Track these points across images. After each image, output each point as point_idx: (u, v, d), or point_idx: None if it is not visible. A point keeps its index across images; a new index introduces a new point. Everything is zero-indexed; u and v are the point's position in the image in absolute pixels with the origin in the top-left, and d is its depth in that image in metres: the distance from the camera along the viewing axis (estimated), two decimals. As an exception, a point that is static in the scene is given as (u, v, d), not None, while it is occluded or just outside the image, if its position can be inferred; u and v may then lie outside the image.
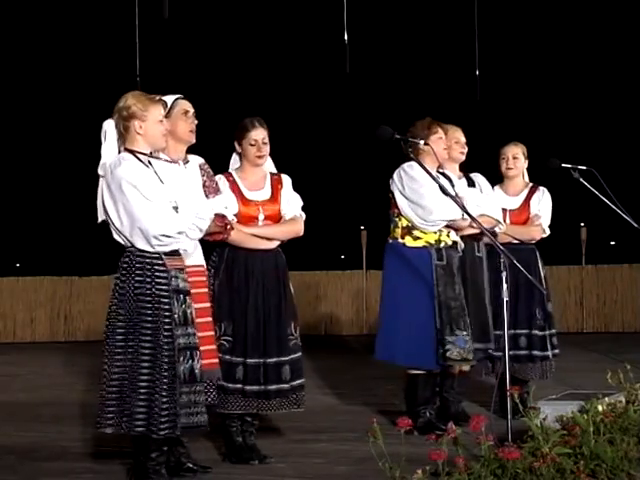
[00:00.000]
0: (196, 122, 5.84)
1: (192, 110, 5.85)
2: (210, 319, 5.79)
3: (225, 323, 5.99)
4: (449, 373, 7.15)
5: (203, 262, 5.89)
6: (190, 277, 5.49)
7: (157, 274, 5.20)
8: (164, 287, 5.21)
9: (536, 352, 7.45)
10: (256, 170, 6.21)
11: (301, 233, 6.28)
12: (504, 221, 7.41)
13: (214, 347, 5.77)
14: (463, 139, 7.35)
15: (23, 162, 30.18)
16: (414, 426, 5.91)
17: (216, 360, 5.75)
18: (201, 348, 5.39)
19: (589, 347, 13.66)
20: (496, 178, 7.70)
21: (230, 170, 6.26)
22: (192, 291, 5.44)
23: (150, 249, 5.18)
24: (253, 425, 6.15)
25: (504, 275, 5.56)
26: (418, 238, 6.92)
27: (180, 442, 5.63)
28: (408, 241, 6.93)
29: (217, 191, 5.95)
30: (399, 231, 6.96)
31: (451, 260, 6.94)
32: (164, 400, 5.11)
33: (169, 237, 5.18)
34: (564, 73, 27.49)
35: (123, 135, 5.29)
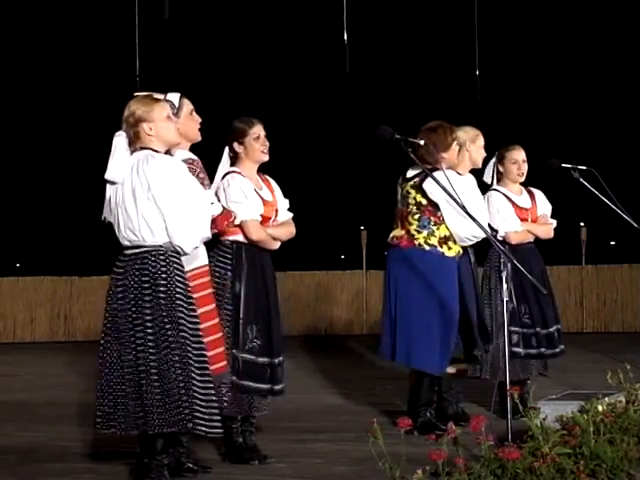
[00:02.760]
0: (200, 119, 5.86)
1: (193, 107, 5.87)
2: (217, 321, 5.72)
3: (255, 325, 5.99)
4: (447, 373, 7.16)
5: (207, 262, 5.85)
6: (198, 279, 5.50)
7: (184, 275, 5.22)
8: (189, 288, 5.24)
9: (562, 346, 7.57)
10: (254, 169, 6.20)
11: (294, 234, 6.32)
12: (527, 220, 7.48)
13: (223, 349, 5.72)
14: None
15: (24, 163, 30.19)
16: (414, 426, 5.91)
17: (224, 363, 5.71)
18: (210, 353, 5.35)
19: (589, 347, 13.66)
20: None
21: (235, 168, 6.19)
22: (198, 295, 5.44)
23: (186, 248, 5.16)
24: (253, 425, 6.15)
25: (504, 275, 5.56)
26: (451, 248, 6.94)
27: (180, 442, 5.63)
28: (446, 250, 6.91)
29: (209, 185, 5.92)
30: (436, 240, 6.91)
31: (461, 268, 7.00)
32: (213, 398, 5.19)
33: (203, 239, 5.24)
34: (564, 73, 27.50)
35: (135, 142, 5.26)
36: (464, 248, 7.07)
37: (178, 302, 5.14)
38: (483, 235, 6.77)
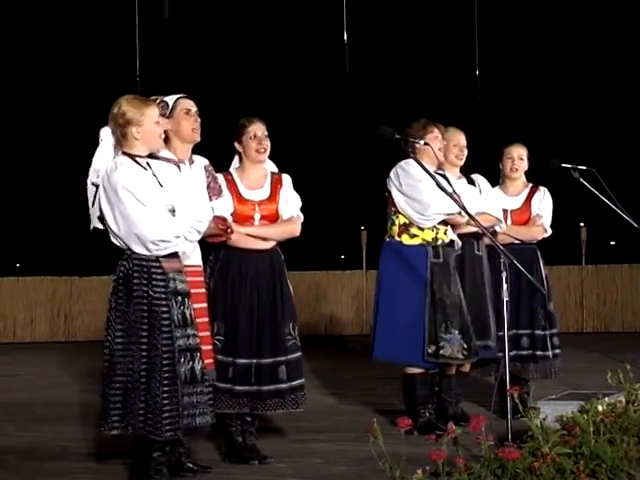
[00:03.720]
0: (199, 120, 5.83)
1: (195, 109, 5.83)
2: (207, 319, 5.77)
3: (218, 323, 5.98)
4: (446, 373, 7.15)
5: (200, 262, 5.87)
6: (187, 277, 5.49)
7: (154, 276, 5.19)
8: (161, 289, 5.19)
9: (538, 352, 7.45)
10: (257, 168, 6.19)
11: (297, 234, 6.23)
12: (505, 222, 7.42)
13: (210, 347, 5.76)
14: (463, 142, 7.32)
15: (24, 163, 30.19)
16: (414, 426, 5.91)
17: (212, 360, 5.75)
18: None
19: (589, 347, 13.66)
20: (496, 179, 7.69)
21: (230, 170, 6.24)
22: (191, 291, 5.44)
23: (147, 253, 5.18)
24: (253, 425, 6.14)
25: (504, 275, 5.55)
26: (415, 236, 6.92)
27: (180, 442, 5.63)
28: (405, 239, 6.93)
29: (220, 193, 5.95)
30: (396, 229, 6.96)
31: (448, 258, 6.95)
32: (165, 402, 5.09)
33: (166, 242, 5.17)
34: (564, 73, 27.51)
35: (120, 141, 5.27)
36: (471, 240, 7.08)
37: (138, 306, 5.14)
38: (439, 212, 6.78)
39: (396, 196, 6.93)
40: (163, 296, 5.19)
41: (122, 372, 5.13)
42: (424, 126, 6.97)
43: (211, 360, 5.73)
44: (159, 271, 5.20)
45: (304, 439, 6.77)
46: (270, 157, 6.24)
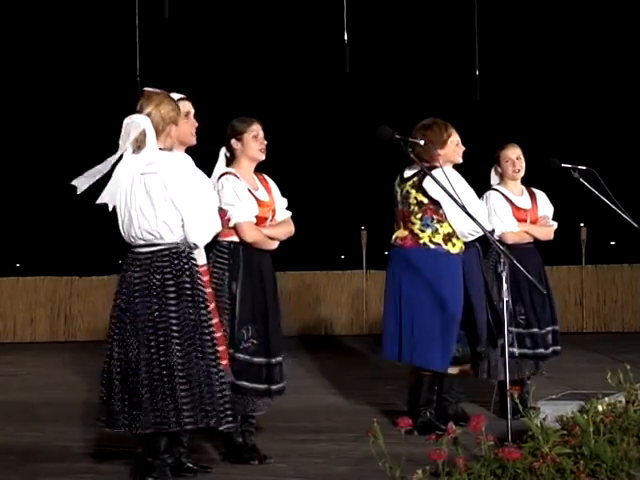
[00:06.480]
0: (196, 124, 5.82)
1: (193, 111, 5.83)
2: (217, 320, 5.74)
3: (251, 325, 5.99)
4: (447, 373, 7.15)
5: (206, 261, 5.85)
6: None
7: (199, 275, 5.30)
8: (203, 286, 5.32)
9: (558, 347, 7.54)
10: (251, 168, 6.18)
11: (293, 233, 6.30)
12: (525, 221, 7.46)
13: (224, 348, 5.73)
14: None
15: (24, 163, 30.20)
16: (414, 426, 5.91)
17: (226, 361, 5.72)
18: None
19: (589, 347, 13.66)
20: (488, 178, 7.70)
21: (231, 169, 6.19)
22: None
23: (201, 243, 5.29)
24: (253, 425, 6.15)
25: (504, 275, 5.56)
26: (455, 244, 6.93)
27: (180, 442, 5.63)
28: (450, 247, 6.91)
29: None
30: (440, 237, 6.90)
31: (468, 264, 7.00)
32: (222, 391, 5.24)
33: (216, 232, 5.38)
34: (564, 73, 27.51)
35: (157, 132, 5.33)
36: (471, 243, 7.07)
37: (200, 299, 5.22)
38: (480, 230, 6.79)
39: (448, 207, 6.79)
40: (205, 290, 5.32)
41: (190, 365, 5.14)
42: (446, 128, 6.94)
43: (226, 361, 5.71)
44: (199, 269, 5.32)
45: (304, 439, 6.77)
46: (269, 157, 6.23)
